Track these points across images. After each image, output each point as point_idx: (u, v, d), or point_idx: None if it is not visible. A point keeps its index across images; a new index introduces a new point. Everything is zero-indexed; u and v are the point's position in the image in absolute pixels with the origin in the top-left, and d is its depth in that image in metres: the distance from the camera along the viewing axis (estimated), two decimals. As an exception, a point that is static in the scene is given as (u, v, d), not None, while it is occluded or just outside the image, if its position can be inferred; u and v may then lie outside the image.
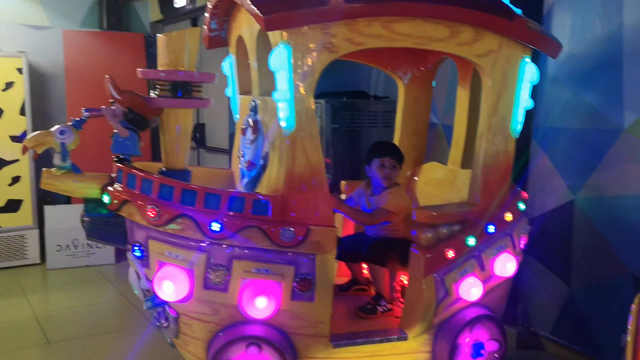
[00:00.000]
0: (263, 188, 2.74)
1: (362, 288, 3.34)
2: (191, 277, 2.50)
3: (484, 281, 2.85)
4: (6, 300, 4.59)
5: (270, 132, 2.71)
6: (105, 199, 2.67)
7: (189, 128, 2.85)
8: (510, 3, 2.82)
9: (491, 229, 2.86)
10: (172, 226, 2.50)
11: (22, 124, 5.41)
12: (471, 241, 2.79)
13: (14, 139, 5.33)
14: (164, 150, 2.85)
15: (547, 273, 3.57)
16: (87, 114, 2.70)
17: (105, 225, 2.71)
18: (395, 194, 3.14)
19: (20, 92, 5.40)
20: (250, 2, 2.42)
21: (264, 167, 2.77)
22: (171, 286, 2.49)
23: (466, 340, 2.84)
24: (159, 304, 2.65)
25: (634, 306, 2.12)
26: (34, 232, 5.49)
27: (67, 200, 4.94)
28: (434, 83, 3.63)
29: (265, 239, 2.49)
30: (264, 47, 2.69)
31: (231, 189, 3.24)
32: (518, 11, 2.77)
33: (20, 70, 5.37)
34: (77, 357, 3.63)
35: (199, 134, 6.14)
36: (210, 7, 3.11)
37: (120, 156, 2.75)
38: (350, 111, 4.38)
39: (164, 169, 2.86)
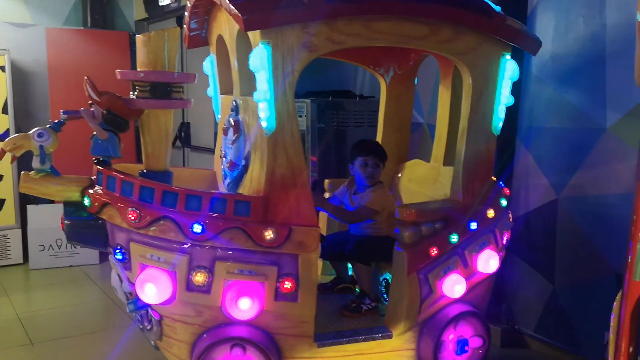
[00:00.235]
0: (245, 188, 2.72)
1: (346, 286, 3.34)
2: (173, 279, 2.49)
3: (467, 278, 2.86)
4: (-11, 300, 4.54)
5: (251, 133, 2.70)
6: (86, 201, 2.64)
7: (170, 129, 2.83)
8: (493, 2, 2.83)
9: (474, 225, 2.87)
10: (154, 228, 2.48)
11: (4, 122, 5.32)
12: (454, 238, 2.81)
13: (-4, 137, 5.26)
14: (144, 151, 2.83)
15: (530, 271, 3.60)
16: (65, 116, 2.67)
17: (86, 228, 2.67)
18: (378, 192, 3.14)
19: (3, 90, 5.31)
20: (229, 2, 2.40)
21: (245, 168, 2.76)
22: (153, 289, 2.47)
23: (450, 337, 2.85)
24: (142, 307, 2.63)
25: (615, 304, 2.13)
26: (17, 232, 5.41)
27: (50, 199, 4.89)
28: (416, 80, 3.64)
29: (248, 239, 2.48)
30: (244, 47, 2.68)
31: (214, 189, 3.23)
32: (497, 8, 2.78)
33: (2, 68, 5.29)
34: (60, 358, 3.59)
35: (183, 133, 6.11)
36: (190, 6, 3.08)
37: (100, 158, 2.72)
38: (336, 110, 4.39)
39: (145, 170, 2.84)
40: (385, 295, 3.12)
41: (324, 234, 3.40)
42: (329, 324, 2.91)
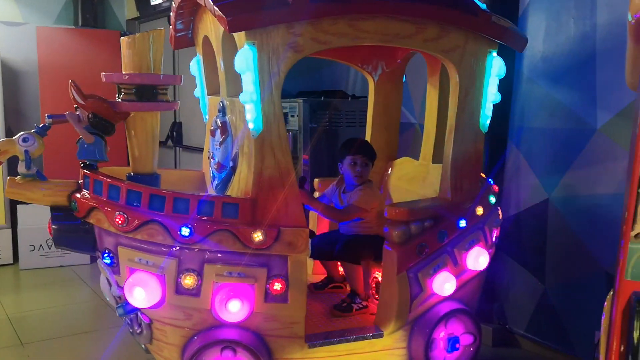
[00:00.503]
0: (233, 190, 2.71)
1: (337, 286, 3.34)
2: (162, 282, 2.48)
3: (457, 276, 2.86)
4: (-22, 301, 4.52)
5: (239, 134, 2.69)
6: (73, 206, 2.62)
7: (156, 132, 2.81)
8: (486, 4, 2.83)
9: (463, 223, 2.87)
10: (141, 232, 2.46)
11: (-6, 122, 5.30)
12: (443, 236, 2.80)
13: (-14, 137, 5.22)
14: (131, 154, 2.81)
15: (521, 271, 3.61)
16: (50, 120, 2.65)
17: (73, 233, 2.66)
18: (367, 190, 3.14)
19: (-7, 89, 5.29)
20: (213, 3, 2.39)
21: (233, 169, 2.75)
22: (142, 293, 2.46)
23: (441, 335, 2.86)
24: (131, 311, 2.62)
25: (607, 303, 2.14)
26: (7, 232, 5.37)
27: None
28: (404, 78, 3.63)
29: (236, 241, 2.48)
30: (230, 48, 2.66)
31: (203, 191, 3.22)
32: (483, 6, 2.78)
33: (-8, 67, 5.26)
34: (50, 359, 3.58)
35: (175, 133, 6.08)
36: (175, 7, 3.06)
37: (87, 162, 2.70)
38: (328, 110, 4.39)
39: (132, 173, 2.82)
40: (376, 294, 3.12)
41: (315, 232, 3.41)
42: (320, 324, 2.90)
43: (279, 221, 2.52)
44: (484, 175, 3.16)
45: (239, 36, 2.45)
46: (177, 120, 6.11)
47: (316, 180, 3.64)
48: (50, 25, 6.22)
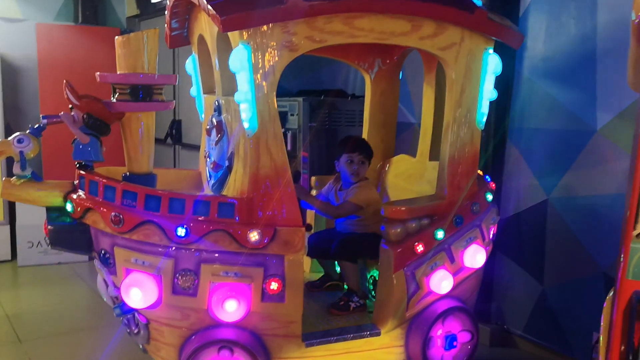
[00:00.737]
0: (230, 189, 2.71)
1: (335, 284, 3.34)
2: (159, 283, 2.47)
3: (454, 273, 2.86)
4: (-24, 298, 4.52)
5: (234, 133, 2.68)
6: (68, 207, 2.62)
7: (152, 131, 2.79)
8: (487, 4, 2.82)
9: (460, 221, 2.87)
10: (137, 233, 2.46)
11: (-7, 118, 5.29)
12: (440, 234, 2.80)
13: (-15, 133, 5.21)
14: (127, 154, 2.80)
15: (520, 271, 3.62)
16: (45, 121, 2.64)
17: (69, 234, 2.65)
18: (363, 188, 3.13)
19: (-8, 86, 5.28)
20: (206, 2, 2.38)
21: (229, 168, 2.74)
22: (139, 293, 2.46)
23: (439, 333, 2.86)
24: (128, 311, 2.62)
25: (606, 303, 2.14)
26: (5, 228, 5.38)
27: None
28: (400, 75, 3.62)
29: (233, 241, 2.47)
30: (225, 47, 2.65)
31: (199, 190, 3.22)
32: (478, 3, 2.76)
33: (-8, 64, 5.26)
34: (49, 356, 3.58)
35: (175, 131, 6.07)
36: (170, 5, 3.05)
37: (83, 162, 2.69)
38: (328, 109, 4.39)
39: (128, 173, 2.81)
40: (373, 292, 3.12)
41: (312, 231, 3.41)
42: (317, 322, 2.90)
43: (275, 221, 2.52)
44: (481, 173, 3.15)
45: (233, 35, 2.44)
46: (177, 119, 6.09)
47: (313, 178, 3.64)
48: (50, 22, 6.21)
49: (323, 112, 4.37)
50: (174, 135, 6.09)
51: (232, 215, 2.49)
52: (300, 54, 2.50)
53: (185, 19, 3.15)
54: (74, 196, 2.62)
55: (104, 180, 2.55)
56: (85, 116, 2.61)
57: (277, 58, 2.44)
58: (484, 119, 2.92)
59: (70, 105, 2.66)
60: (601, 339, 2.13)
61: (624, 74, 2.19)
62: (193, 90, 3.31)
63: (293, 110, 4.37)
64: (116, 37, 2.69)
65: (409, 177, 3.40)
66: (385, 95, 3.58)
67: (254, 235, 2.47)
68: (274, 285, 2.52)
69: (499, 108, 3.53)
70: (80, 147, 2.65)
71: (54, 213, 2.67)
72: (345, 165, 3.17)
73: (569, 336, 3.34)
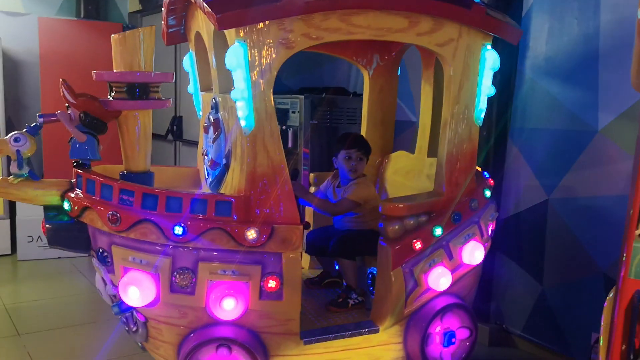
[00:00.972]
0: (227, 187, 2.70)
1: (334, 281, 3.34)
2: (157, 281, 2.47)
3: (453, 270, 2.86)
4: (-24, 291, 4.53)
5: (231, 131, 2.67)
6: (66, 205, 2.62)
7: (149, 129, 2.78)
8: (490, 4, 2.80)
9: (458, 217, 2.86)
10: (135, 231, 2.46)
11: (-6, 112, 5.30)
12: (438, 231, 2.80)
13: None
14: (124, 153, 2.79)
15: (520, 271, 3.62)
16: (41, 119, 2.63)
17: (67, 232, 2.65)
18: (361, 185, 3.13)
19: (-6, 79, 5.28)
20: (202, 0, 2.37)
21: (227, 166, 2.73)
22: (137, 292, 2.46)
23: (437, 330, 2.86)
24: (126, 309, 2.63)
25: (607, 303, 2.14)
26: (5, 222, 5.38)
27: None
28: (399, 71, 3.61)
29: (230, 239, 2.47)
30: (221, 44, 2.64)
31: (197, 188, 3.21)
32: (477, -1, 2.75)
33: (-7, 57, 5.24)
34: (47, 350, 3.58)
35: (176, 127, 6.06)
36: (167, 2, 3.04)
37: (80, 161, 2.69)
38: (329, 107, 4.38)
39: (125, 172, 2.81)
40: (371, 289, 3.12)
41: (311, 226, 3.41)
42: (316, 319, 2.90)
43: (272, 219, 2.51)
44: (479, 169, 3.14)
45: (230, 33, 2.43)
46: (178, 115, 6.09)
47: (312, 174, 3.63)
48: (52, 16, 6.21)
49: (324, 110, 4.37)
50: (175, 132, 6.09)
51: (229, 213, 2.48)
52: (296, 51, 2.49)
53: (182, 16, 3.14)
54: (72, 195, 2.61)
55: (101, 179, 2.55)
56: (82, 115, 2.61)
57: (273, 55, 2.43)
58: (482, 115, 2.91)
59: (67, 104, 2.65)
60: (601, 339, 2.13)
61: (626, 74, 2.17)
62: (191, 88, 3.31)
63: (294, 107, 4.37)
64: (112, 35, 2.68)
65: (407, 174, 3.40)
66: (383, 91, 3.56)
67: (251, 234, 2.46)
68: (271, 283, 2.52)
69: (500, 107, 3.53)
70: (77, 145, 2.64)
71: (52, 212, 2.67)
72: (344, 161, 3.17)
73: (567, 336, 3.35)
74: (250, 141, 2.47)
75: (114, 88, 2.67)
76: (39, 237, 5.29)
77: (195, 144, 5.74)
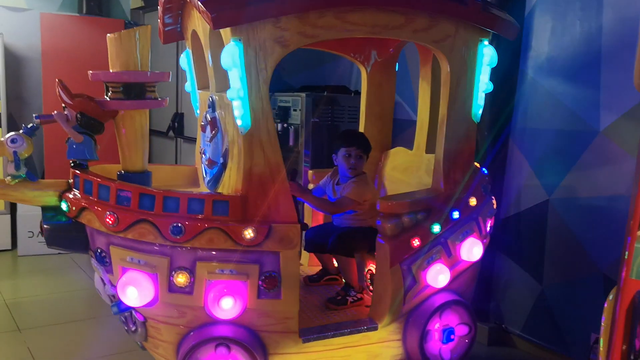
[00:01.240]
0: (224, 187, 2.70)
1: (333, 278, 3.34)
2: (155, 281, 2.48)
3: (451, 267, 2.86)
4: (-24, 286, 4.54)
5: (228, 130, 2.67)
6: (64, 206, 2.62)
7: (145, 129, 2.78)
8: (493, 4, 2.79)
9: (456, 214, 2.86)
10: (132, 232, 2.46)
11: (-4, 107, 5.32)
12: (436, 228, 2.80)
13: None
14: (121, 152, 2.79)
15: (519, 271, 3.61)
16: (38, 120, 2.63)
17: (65, 233, 2.66)
18: (360, 183, 3.12)
19: (-5, 74, 5.29)
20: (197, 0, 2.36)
21: (224, 165, 2.73)
22: (135, 292, 2.46)
23: (436, 326, 2.86)
24: (125, 309, 2.63)
25: (607, 303, 2.13)
26: (5, 218, 5.39)
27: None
28: (397, 67, 3.60)
29: (228, 239, 2.46)
30: (217, 43, 2.63)
31: (195, 186, 3.21)
32: (480, -2, 2.74)
33: (-5, 52, 5.24)
34: (48, 345, 3.59)
35: (177, 124, 6.06)
36: (163, 1, 3.03)
37: (77, 161, 2.69)
38: (331, 105, 4.38)
39: (122, 171, 2.81)
40: (371, 286, 3.12)
41: (309, 224, 3.40)
42: (314, 317, 2.90)
43: (270, 218, 2.51)
44: (478, 165, 3.13)
45: (225, 32, 2.42)
46: (179, 112, 6.08)
47: (310, 172, 3.63)
48: (54, 12, 6.20)
49: (325, 108, 4.36)
50: (176, 129, 6.08)
51: (226, 212, 2.48)
52: (292, 49, 2.48)
53: (179, 14, 3.13)
54: (69, 195, 2.62)
55: (98, 180, 2.54)
56: (78, 115, 2.60)
57: (269, 54, 2.42)
58: (480, 112, 2.90)
59: (63, 104, 2.65)
60: (602, 339, 2.12)
61: (628, 74, 2.16)
62: (188, 86, 3.30)
63: (296, 105, 4.37)
64: (108, 34, 2.68)
65: (405, 170, 3.39)
66: (381, 87, 3.55)
67: (248, 233, 2.46)
68: (269, 282, 2.52)
69: (502, 107, 3.51)
70: (74, 146, 2.64)
71: (50, 212, 2.67)
72: (343, 159, 3.16)
73: (567, 336, 3.35)
74: (247, 140, 2.47)
75: (110, 88, 2.66)
76: (40, 232, 5.29)
77: (196, 140, 5.75)
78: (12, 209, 5.39)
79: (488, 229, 3.03)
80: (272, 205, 2.51)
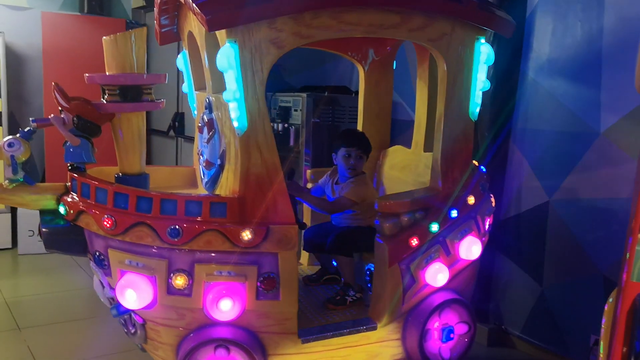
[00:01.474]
0: (222, 188, 2.70)
1: (332, 277, 3.34)
2: (153, 284, 2.48)
3: (450, 266, 2.86)
4: (-24, 285, 4.56)
5: (225, 132, 2.67)
6: (61, 209, 2.62)
7: (143, 131, 2.78)
8: (494, 6, 2.78)
9: (454, 213, 2.86)
10: (130, 235, 2.46)
11: (-3, 106, 5.31)
12: (434, 227, 2.79)
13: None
14: (118, 155, 2.79)
15: (519, 272, 3.61)
16: (35, 124, 2.62)
17: (63, 236, 2.65)
18: (359, 183, 3.12)
19: (-4, 73, 5.28)
20: (192, 2, 2.35)
21: (221, 167, 2.73)
22: (134, 294, 2.46)
23: (435, 325, 2.86)
24: (125, 312, 2.63)
25: (607, 305, 2.13)
26: (6, 216, 5.40)
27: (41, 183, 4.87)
28: (394, 65, 3.59)
29: (226, 241, 2.47)
30: (213, 44, 2.63)
31: (194, 187, 3.21)
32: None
33: (-4, 51, 5.23)
34: (48, 344, 3.60)
35: (177, 123, 6.05)
36: (159, 2, 3.02)
37: (75, 165, 2.69)
38: (332, 106, 4.37)
39: (120, 174, 2.81)
40: (370, 285, 3.12)
41: (308, 224, 3.40)
42: (314, 317, 2.90)
43: (267, 219, 2.51)
44: (476, 163, 3.13)
45: (220, 34, 2.42)
46: (179, 111, 6.08)
47: (308, 171, 3.63)
48: (55, 11, 6.19)
49: (326, 108, 4.35)
50: (177, 128, 6.08)
51: (224, 214, 2.48)
52: (288, 50, 2.47)
53: (175, 16, 3.12)
54: (67, 199, 2.62)
55: (96, 183, 2.54)
56: (75, 118, 2.60)
57: (265, 55, 2.42)
58: (477, 110, 2.90)
59: (59, 108, 2.65)
60: (602, 341, 2.12)
61: (629, 75, 2.16)
62: (185, 87, 3.30)
63: (296, 105, 4.36)
64: (103, 37, 2.67)
65: (404, 168, 3.39)
66: (379, 86, 3.55)
67: (246, 234, 2.46)
68: (267, 284, 2.52)
69: (502, 108, 3.50)
70: (72, 149, 2.64)
71: (48, 216, 2.67)
72: (343, 159, 3.15)
73: (566, 338, 3.34)
74: (244, 142, 2.46)
75: (106, 91, 2.66)
76: (38, 235, 5.30)
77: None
78: (13, 207, 5.38)
79: (487, 227, 3.03)
80: (269, 207, 2.51)
